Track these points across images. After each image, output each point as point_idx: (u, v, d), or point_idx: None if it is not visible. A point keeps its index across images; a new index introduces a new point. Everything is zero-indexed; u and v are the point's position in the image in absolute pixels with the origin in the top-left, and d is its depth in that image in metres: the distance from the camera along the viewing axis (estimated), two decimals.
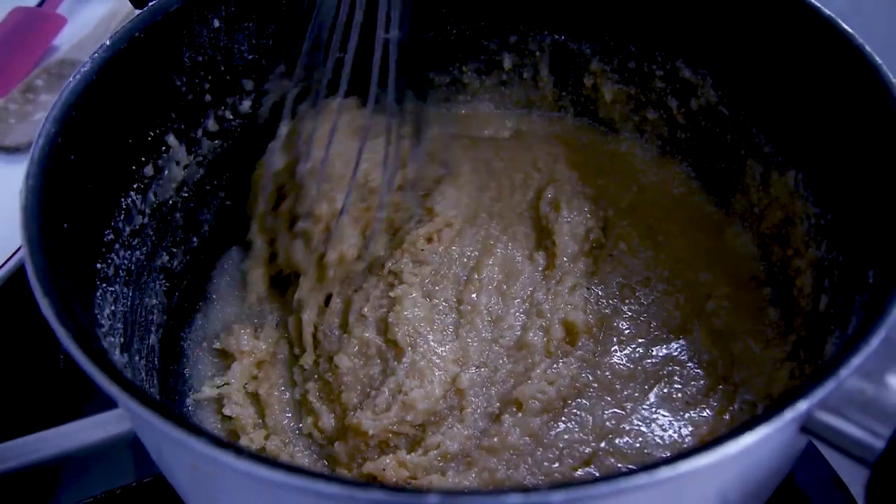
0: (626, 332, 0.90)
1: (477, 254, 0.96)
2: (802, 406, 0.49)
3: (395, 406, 0.81)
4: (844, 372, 0.51)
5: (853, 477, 0.85)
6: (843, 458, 0.54)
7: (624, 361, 0.87)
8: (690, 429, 0.81)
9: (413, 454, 0.80)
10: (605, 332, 0.90)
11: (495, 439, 0.79)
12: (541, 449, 0.79)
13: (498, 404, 0.83)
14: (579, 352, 0.87)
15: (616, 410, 0.83)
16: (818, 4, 0.79)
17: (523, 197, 1.02)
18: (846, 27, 0.75)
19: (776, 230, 0.90)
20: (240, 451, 0.48)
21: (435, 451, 0.79)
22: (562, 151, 1.06)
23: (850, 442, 0.53)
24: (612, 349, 0.88)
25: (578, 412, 0.83)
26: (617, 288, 0.93)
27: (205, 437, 0.48)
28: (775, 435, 0.49)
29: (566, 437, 0.81)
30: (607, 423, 0.81)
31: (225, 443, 0.48)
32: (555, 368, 0.85)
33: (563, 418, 0.82)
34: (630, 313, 0.91)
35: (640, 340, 0.89)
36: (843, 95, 0.76)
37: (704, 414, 0.82)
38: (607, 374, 0.86)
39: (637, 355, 0.87)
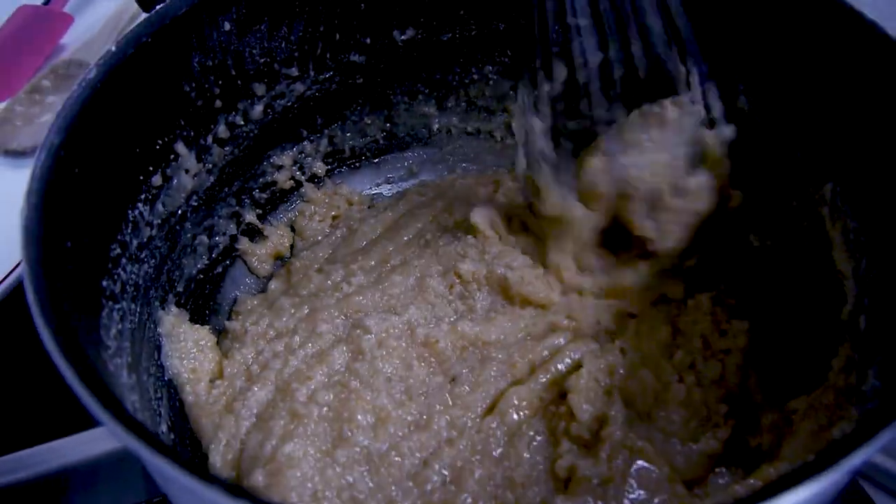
0: None
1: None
2: (857, 459, 0.45)
3: None
4: None
5: None
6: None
7: None
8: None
9: None
10: None
11: None
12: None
13: None
14: None
15: None
16: (857, 8, 0.75)
17: None
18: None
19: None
20: (254, 501, 0.45)
21: None
22: None
23: None
24: None
25: None
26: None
27: (217, 486, 0.45)
28: (828, 486, 0.46)
29: None
30: None
31: (239, 490, 0.45)
32: None
33: None
34: None
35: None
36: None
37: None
38: None
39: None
